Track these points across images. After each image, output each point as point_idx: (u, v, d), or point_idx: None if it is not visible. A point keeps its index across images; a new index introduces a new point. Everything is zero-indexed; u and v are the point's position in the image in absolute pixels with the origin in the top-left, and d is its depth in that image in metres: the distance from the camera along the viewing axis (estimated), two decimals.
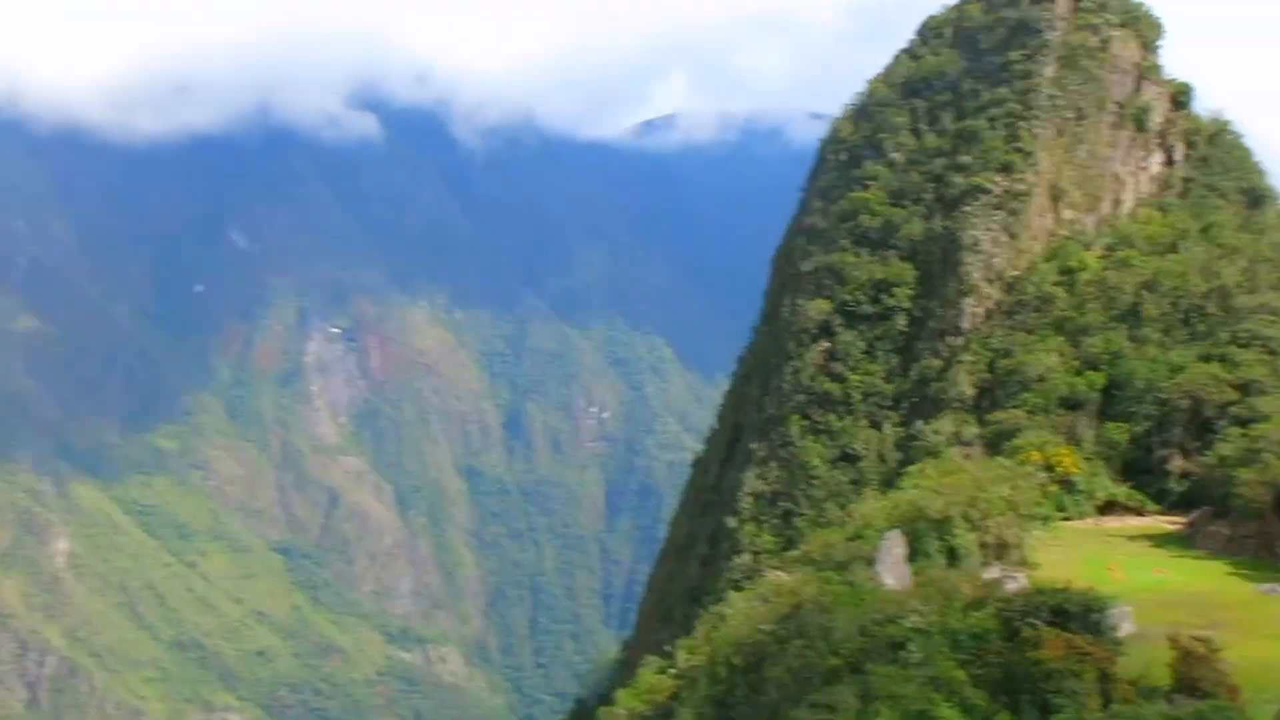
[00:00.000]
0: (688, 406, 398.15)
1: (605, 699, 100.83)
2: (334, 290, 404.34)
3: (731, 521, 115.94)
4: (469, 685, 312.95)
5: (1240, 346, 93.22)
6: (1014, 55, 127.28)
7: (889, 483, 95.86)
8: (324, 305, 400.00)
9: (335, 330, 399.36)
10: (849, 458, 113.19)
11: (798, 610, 56.97)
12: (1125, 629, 46.57)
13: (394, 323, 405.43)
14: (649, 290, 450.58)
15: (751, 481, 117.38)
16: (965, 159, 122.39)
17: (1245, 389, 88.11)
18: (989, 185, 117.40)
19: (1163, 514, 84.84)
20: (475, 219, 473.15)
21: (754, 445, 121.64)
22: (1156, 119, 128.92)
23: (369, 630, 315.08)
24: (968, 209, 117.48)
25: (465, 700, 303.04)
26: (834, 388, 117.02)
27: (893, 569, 61.58)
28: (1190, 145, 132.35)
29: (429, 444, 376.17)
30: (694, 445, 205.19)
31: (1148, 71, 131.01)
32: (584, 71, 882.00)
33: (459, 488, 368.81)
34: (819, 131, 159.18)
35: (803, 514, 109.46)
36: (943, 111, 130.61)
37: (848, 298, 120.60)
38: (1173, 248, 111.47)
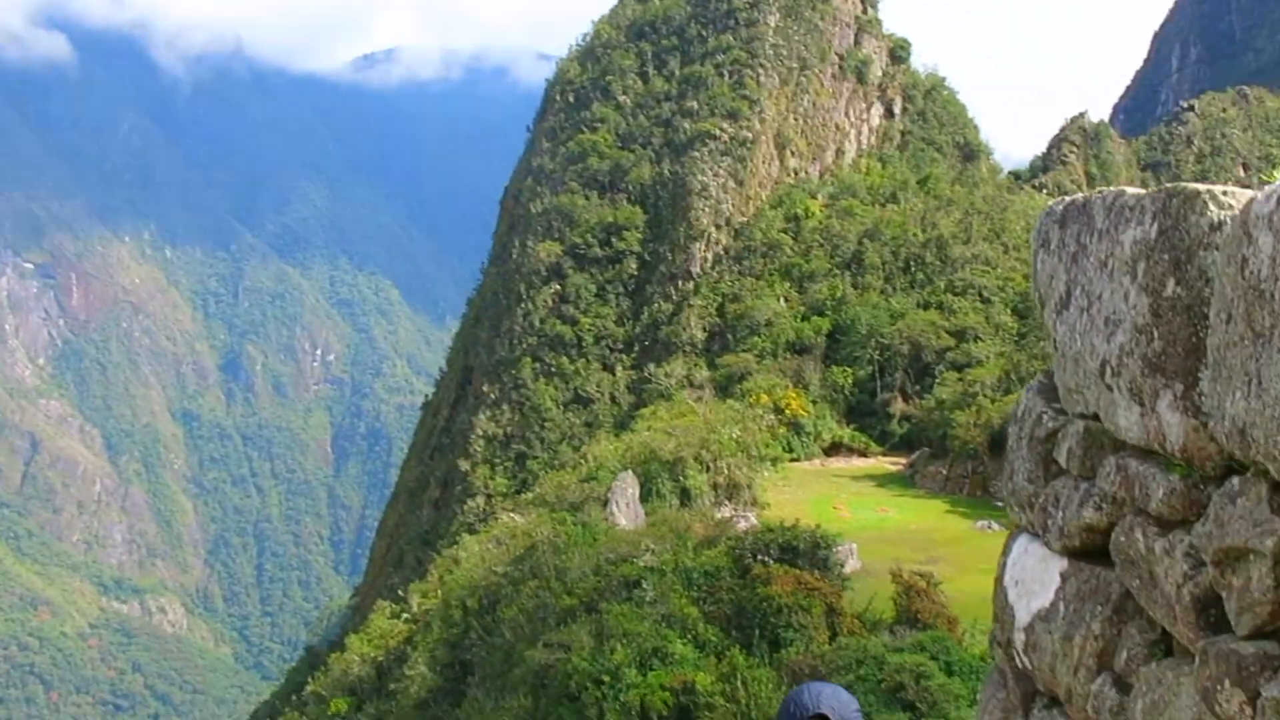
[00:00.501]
0: (416, 349, 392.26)
1: (337, 645, 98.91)
2: (26, 223, 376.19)
3: (464, 464, 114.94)
4: (191, 635, 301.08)
5: (956, 295, 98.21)
6: (738, 2, 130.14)
7: (622, 425, 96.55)
8: (15, 239, 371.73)
9: (29, 265, 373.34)
10: (582, 400, 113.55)
11: (532, 552, 56.96)
12: (851, 565, 48.32)
13: (96, 259, 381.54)
14: (373, 230, 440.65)
15: (483, 424, 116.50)
16: (692, 105, 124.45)
17: (961, 335, 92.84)
18: (716, 131, 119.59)
19: (885, 455, 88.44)
20: (183, 151, 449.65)
21: (485, 388, 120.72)
22: (876, 72, 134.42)
23: (80, 581, 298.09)
24: (695, 155, 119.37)
25: (188, 651, 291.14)
26: (566, 330, 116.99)
27: (626, 509, 62.10)
28: (908, 99, 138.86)
29: (139, 387, 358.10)
30: (423, 388, 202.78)
31: (867, 25, 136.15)
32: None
33: (174, 432, 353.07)
34: (546, 72, 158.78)
35: (536, 456, 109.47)
36: (669, 56, 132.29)
37: (578, 240, 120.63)
38: (893, 198, 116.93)
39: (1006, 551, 4.74)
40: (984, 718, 4.44)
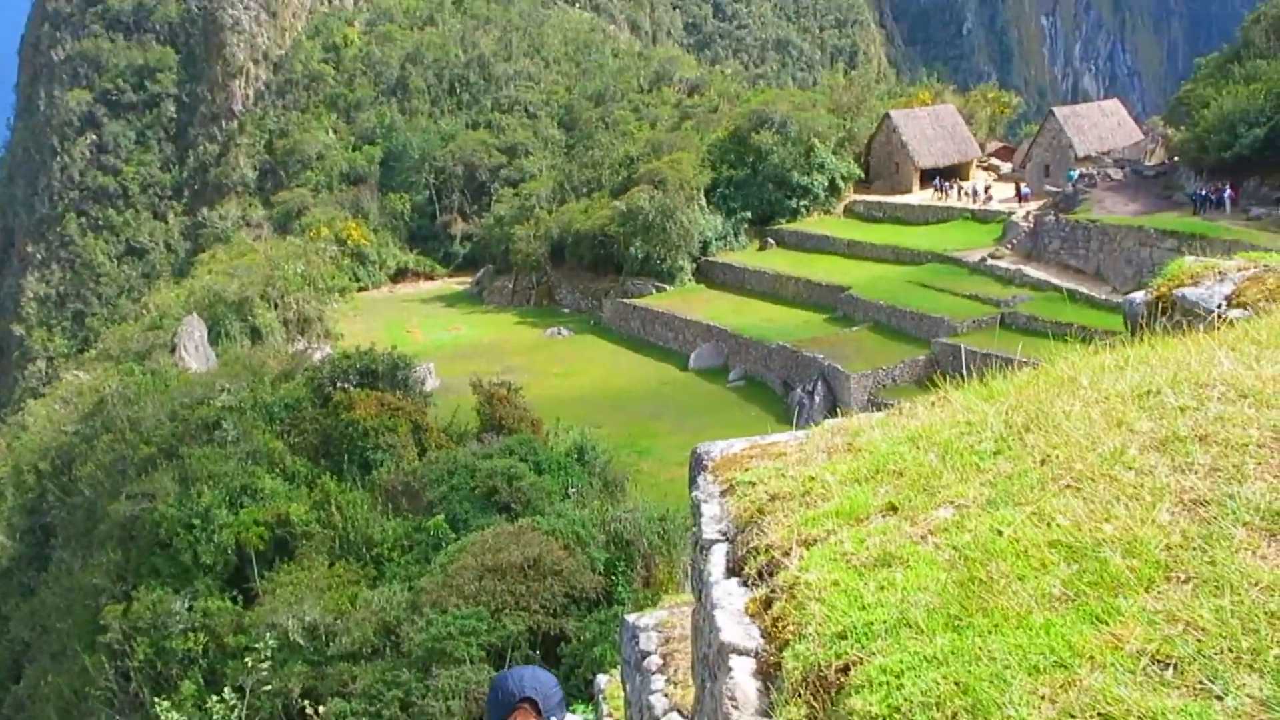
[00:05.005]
0: None
1: None
2: None
3: (18, 329, 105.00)
4: None
5: (503, 112, 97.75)
6: None
7: (181, 272, 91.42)
8: None
9: None
10: (136, 251, 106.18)
11: (102, 406, 52.89)
12: (431, 383, 47.55)
13: None
14: None
15: (33, 286, 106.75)
16: None
17: (512, 152, 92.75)
18: None
19: (451, 275, 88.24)
20: None
21: (30, 248, 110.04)
22: None
23: None
24: None
25: None
26: (109, 181, 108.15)
27: (196, 353, 58.98)
28: None
29: None
30: None
31: None
32: None
33: None
34: None
35: (95, 313, 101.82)
36: None
37: (109, 86, 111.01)
38: (430, 20, 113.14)
39: None
40: None
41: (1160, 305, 6.88)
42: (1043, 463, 3.74)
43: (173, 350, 58.59)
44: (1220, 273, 6.85)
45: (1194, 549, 3.03)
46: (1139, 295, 7.44)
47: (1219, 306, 6.29)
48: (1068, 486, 3.57)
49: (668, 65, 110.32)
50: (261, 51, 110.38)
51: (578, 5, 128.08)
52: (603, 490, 36.24)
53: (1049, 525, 3.35)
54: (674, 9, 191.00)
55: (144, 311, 77.37)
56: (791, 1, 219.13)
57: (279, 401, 43.17)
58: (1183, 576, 2.93)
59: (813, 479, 4.21)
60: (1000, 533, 3.30)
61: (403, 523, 34.93)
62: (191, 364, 56.36)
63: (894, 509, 3.74)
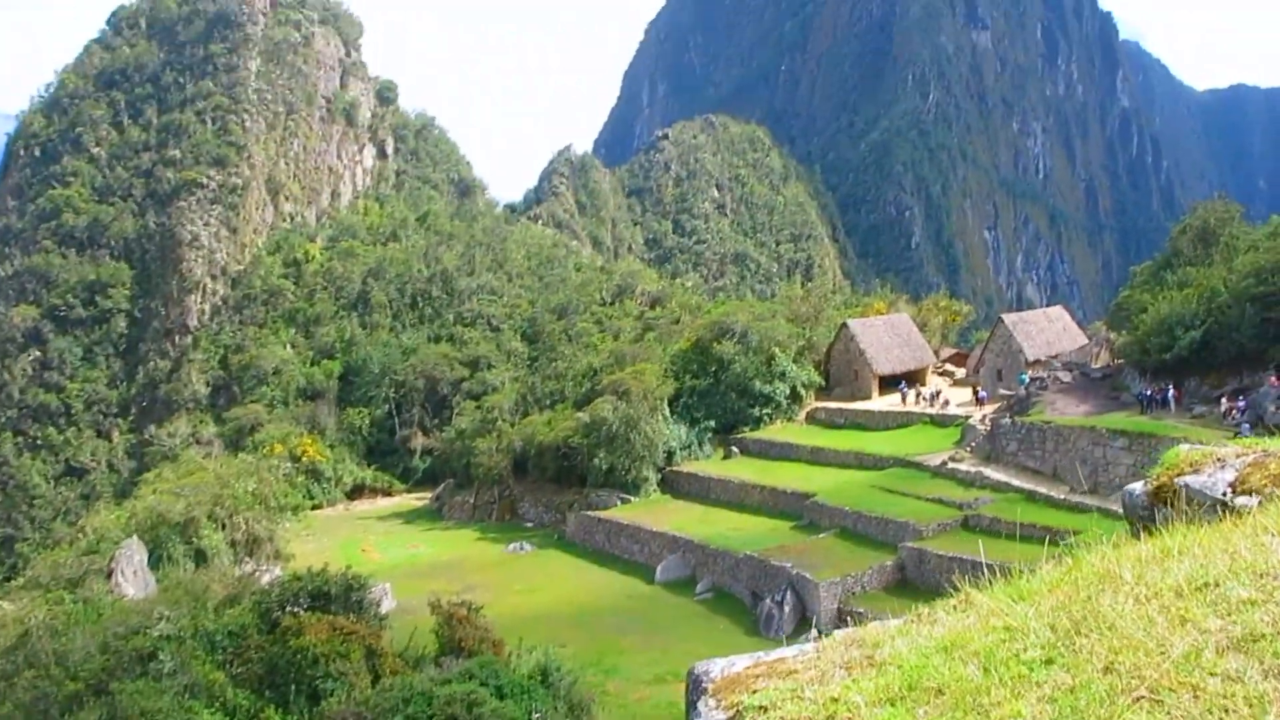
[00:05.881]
0: None
1: None
2: None
3: None
4: None
5: (466, 325, 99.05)
6: (216, 48, 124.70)
7: (124, 492, 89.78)
8: None
9: None
10: (75, 471, 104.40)
11: (25, 639, 50.18)
12: (387, 604, 46.38)
13: None
14: None
15: None
16: (174, 153, 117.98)
17: (474, 365, 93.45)
18: (203, 180, 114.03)
19: (410, 491, 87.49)
20: None
21: None
22: (365, 114, 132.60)
23: None
24: (183, 204, 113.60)
25: None
26: (51, 399, 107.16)
27: (134, 578, 57.12)
28: (400, 140, 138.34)
29: None
30: None
31: (351, 68, 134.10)
32: None
33: None
34: (6, 127, 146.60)
35: (26, 539, 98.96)
36: (145, 104, 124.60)
37: (58, 301, 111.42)
38: (394, 236, 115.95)
39: None
40: None
41: (1161, 495, 6.75)
42: (1106, 671, 3.26)
43: (109, 576, 56.77)
44: (1220, 460, 6.77)
45: None
46: (1138, 486, 7.34)
47: (1224, 494, 6.17)
48: (1144, 698, 3.08)
49: (629, 278, 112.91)
50: (220, 267, 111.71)
51: (540, 222, 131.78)
52: (568, 714, 35.11)
53: None
54: (634, 225, 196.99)
55: (80, 535, 75.45)
56: (748, 218, 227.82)
57: (222, 629, 41.55)
58: None
59: (836, 700, 3.68)
60: None
61: None
62: (129, 590, 54.58)
63: None
